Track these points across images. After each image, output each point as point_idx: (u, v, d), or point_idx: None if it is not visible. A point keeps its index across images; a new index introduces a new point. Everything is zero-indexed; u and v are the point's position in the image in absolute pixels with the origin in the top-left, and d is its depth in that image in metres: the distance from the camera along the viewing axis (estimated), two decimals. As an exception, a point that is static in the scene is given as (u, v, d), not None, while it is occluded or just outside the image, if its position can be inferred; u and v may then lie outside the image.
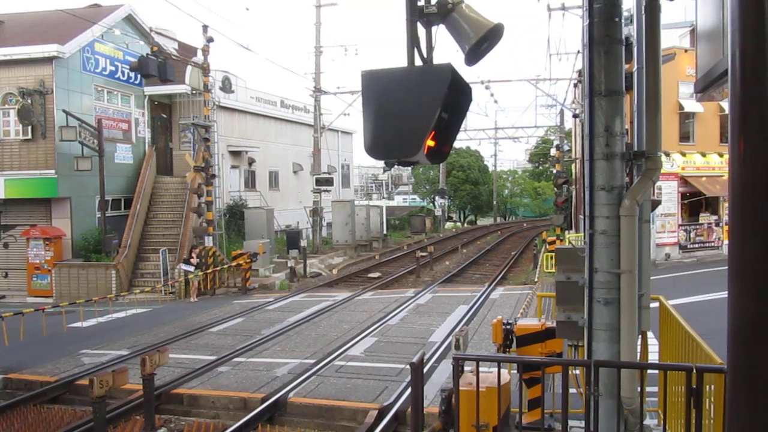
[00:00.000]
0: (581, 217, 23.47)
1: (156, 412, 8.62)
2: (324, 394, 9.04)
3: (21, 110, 20.28)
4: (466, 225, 64.74)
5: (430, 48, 3.76)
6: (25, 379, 10.52)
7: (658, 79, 4.75)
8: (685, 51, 22.37)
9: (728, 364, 1.80)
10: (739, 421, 1.75)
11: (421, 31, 3.76)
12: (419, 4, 3.71)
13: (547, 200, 60.86)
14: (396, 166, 4.06)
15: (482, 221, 68.44)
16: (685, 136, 24.00)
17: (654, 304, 5.78)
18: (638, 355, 5.06)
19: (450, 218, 60.34)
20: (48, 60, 20.67)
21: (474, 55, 3.84)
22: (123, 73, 23.95)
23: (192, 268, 19.38)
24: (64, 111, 20.56)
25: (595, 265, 4.56)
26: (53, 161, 20.77)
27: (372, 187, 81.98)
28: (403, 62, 3.64)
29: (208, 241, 21.17)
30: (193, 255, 19.73)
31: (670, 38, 24.97)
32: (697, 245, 24.18)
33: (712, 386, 4.32)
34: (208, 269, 20.20)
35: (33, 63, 20.74)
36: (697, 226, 24.53)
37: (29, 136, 20.80)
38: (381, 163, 3.95)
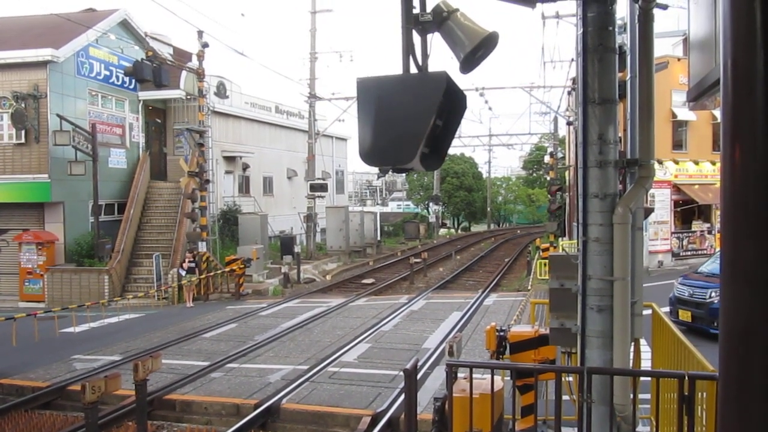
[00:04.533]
0: (575, 224, 23.49)
1: (148, 418, 8.58)
2: (317, 401, 9.03)
3: (14, 114, 20.23)
4: (459, 231, 64.77)
5: (425, 56, 3.78)
6: (17, 384, 10.46)
7: (651, 87, 4.77)
8: (678, 60, 22.49)
9: (720, 372, 1.81)
10: (730, 429, 1.76)
11: (417, 38, 3.77)
12: (415, 12, 3.73)
13: (541, 207, 60.98)
14: (390, 173, 4.08)
15: (476, 228, 68.48)
16: (678, 144, 24.12)
17: (647, 312, 5.80)
18: (631, 362, 5.07)
19: (444, 225, 60.33)
20: (42, 64, 20.64)
21: (469, 63, 3.86)
22: (117, 77, 23.92)
23: (184, 272, 19.34)
24: (58, 115, 20.51)
25: (588, 273, 4.58)
26: (46, 166, 20.71)
27: (366, 193, 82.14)
28: (398, 70, 3.66)
29: (202, 247, 21.10)
30: (186, 260, 19.68)
31: (663, 47, 25.11)
32: (689, 253, 24.26)
33: (704, 393, 4.34)
34: (202, 275, 20.14)
35: (27, 67, 20.70)
36: (690, 234, 24.63)
37: (23, 141, 20.75)
38: (375, 169, 3.97)
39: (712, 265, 13.39)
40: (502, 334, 6.56)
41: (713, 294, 11.73)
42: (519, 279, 24.94)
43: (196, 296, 19.58)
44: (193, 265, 19.68)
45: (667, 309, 12.12)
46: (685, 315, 11.98)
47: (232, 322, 15.52)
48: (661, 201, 23.19)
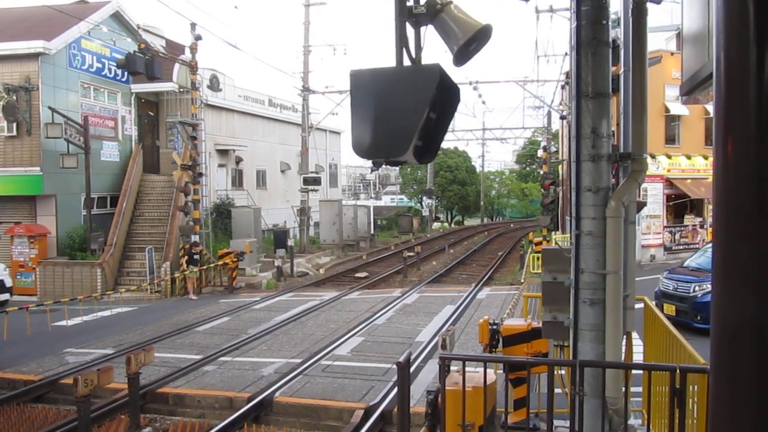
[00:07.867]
0: (568, 218, 23.55)
1: (141, 412, 8.58)
2: (310, 394, 9.03)
3: (6, 107, 20.09)
4: (453, 225, 64.82)
5: (418, 48, 3.77)
6: (9, 377, 10.41)
7: (645, 81, 4.78)
8: (672, 54, 22.53)
9: (711, 365, 1.82)
10: (721, 421, 1.77)
11: (410, 31, 3.76)
12: (408, 4, 3.72)
13: (534, 201, 61.05)
14: (384, 166, 4.07)
15: (469, 222, 68.54)
16: (670, 139, 24.20)
17: (639, 305, 5.83)
18: (623, 355, 5.09)
19: (437, 218, 60.37)
20: (34, 56, 20.48)
21: (462, 55, 3.86)
22: (110, 70, 23.78)
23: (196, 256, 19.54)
24: (49, 108, 20.37)
25: (581, 266, 4.59)
26: (38, 158, 20.59)
27: (360, 186, 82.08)
28: (391, 62, 3.64)
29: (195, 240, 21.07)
30: (194, 250, 19.81)
31: (656, 41, 25.18)
32: (681, 247, 24.37)
33: (696, 386, 4.37)
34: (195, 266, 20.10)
35: (18, 59, 20.54)
36: (682, 228, 24.74)
37: (14, 133, 20.61)
38: (369, 163, 3.97)
39: (698, 260, 13.45)
40: (495, 327, 6.58)
41: (697, 288, 11.83)
42: (512, 273, 25.00)
43: (188, 290, 19.53)
44: (196, 256, 19.74)
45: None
46: (669, 309, 12.07)
47: (225, 316, 15.51)
48: (654, 195, 23.28)
